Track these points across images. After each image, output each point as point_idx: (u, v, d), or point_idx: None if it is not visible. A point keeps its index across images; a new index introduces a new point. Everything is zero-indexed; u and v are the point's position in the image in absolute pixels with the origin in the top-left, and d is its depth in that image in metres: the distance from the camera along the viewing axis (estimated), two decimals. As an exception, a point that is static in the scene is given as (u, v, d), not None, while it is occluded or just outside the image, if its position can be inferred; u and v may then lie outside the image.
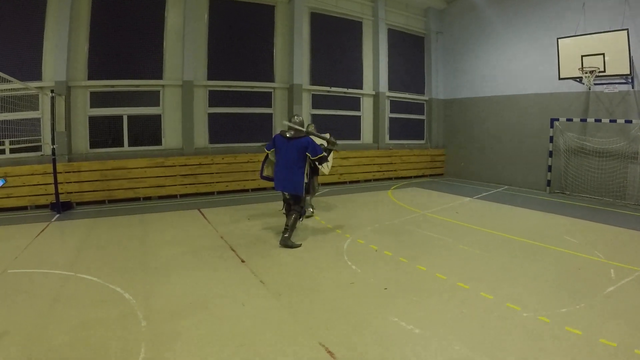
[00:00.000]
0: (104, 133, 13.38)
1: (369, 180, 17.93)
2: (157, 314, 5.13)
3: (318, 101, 17.48)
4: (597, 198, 14.09)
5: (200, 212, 11.47)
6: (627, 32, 12.73)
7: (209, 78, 14.98)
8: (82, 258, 7.38)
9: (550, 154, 15.63)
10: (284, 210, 8.99)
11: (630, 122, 13.24)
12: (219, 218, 10.67)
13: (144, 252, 7.75)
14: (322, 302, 5.59)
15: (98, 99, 13.24)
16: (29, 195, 11.73)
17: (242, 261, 7.26)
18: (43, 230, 9.34)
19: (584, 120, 14.62)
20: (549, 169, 15.71)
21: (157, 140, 14.18)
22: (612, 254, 7.74)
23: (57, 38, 12.34)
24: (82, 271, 6.60)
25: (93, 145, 13.16)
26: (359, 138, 18.77)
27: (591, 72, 13.40)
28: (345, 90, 18.21)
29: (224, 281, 6.32)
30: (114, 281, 6.16)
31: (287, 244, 8.16)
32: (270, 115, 16.28)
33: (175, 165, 13.65)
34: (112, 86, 13.35)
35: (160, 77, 14.10)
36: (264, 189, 14.73)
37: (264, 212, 11.47)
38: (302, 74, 16.64)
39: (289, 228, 8.28)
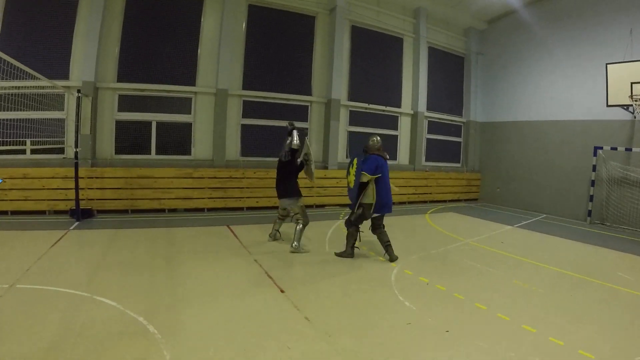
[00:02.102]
0: (131, 139, 12.72)
1: (404, 203, 17.15)
2: (187, 355, 4.30)
3: (355, 118, 16.80)
4: None
5: (230, 229, 10.70)
6: None
7: (244, 88, 14.35)
8: (101, 276, 6.57)
9: (592, 183, 15.13)
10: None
11: None
12: (250, 237, 9.83)
13: (170, 274, 6.90)
14: (379, 347, 4.79)
15: (126, 102, 12.63)
16: (48, 200, 11.16)
17: (282, 291, 6.40)
18: (60, 239, 8.64)
19: (629, 149, 14.11)
20: (590, 198, 15.19)
21: (186, 150, 13.51)
22: None
23: (87, 36, 11.82)
24: (100, 292, 5.79)
25: (119, 150, 12.54)
26: (395, 158, 18.00)
27: None
28: (383, 107, 17.58)
29: (263, 316, 5.45)
30: (136, 308, 5.33)
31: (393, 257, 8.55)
32: (305, 130, 15.48)
33: (204, 177, 12.94)
34: (142, 90, 12.74)
35: (193, 84, 13.48)
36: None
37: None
38: (340, 89, 16.00)
39: (389, 242, 8.62)
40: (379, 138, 8.57)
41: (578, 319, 6.00)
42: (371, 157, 8.42)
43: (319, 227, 11.37)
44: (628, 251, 10.78)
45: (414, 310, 5.96)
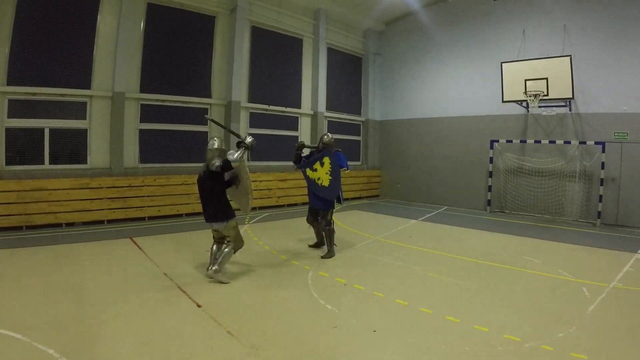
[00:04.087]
0: (22, 148, 11.77)
1: (307, 203, 17.08)
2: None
3: (256, 120, 16.74)
4: (537, 216, 15.12)
5: (133, 241, 10.26)
6: (570, 59, 13.40)
7: (142, 90, 13.77)
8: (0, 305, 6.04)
9: (490, 174, 16.28)
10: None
11: (569, 142, 14.52)
12: (156, 249, 9.48)
13: (75, 297, 6.44)
14: (310, 355, 4.83)
15: (17, 108, 11.63)
16: None
17: (198, 306, 6.21)
18: (-53, 266, 7.85)
19: (523, 141, 15.53)
20: (489, 189, 16.33)
21: (82, 159, 12.70)
22: (576, 272, 8.23)
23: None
24: (1, 324, 5.30)
25: (9, 161, 11.53)
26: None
27: (535, 95, 13.90)
28: (283, 109, 17.66)
29: (183, 335, 5.24)
30: (45, 339, 4.93)
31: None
32: (205, 134, 15.20)
33: (102, 187, 12.26)
34: (34, 94, 11.81)
35: (88, 87, 12.70)
36: (199, 213, 13.68)
37: (204, 240, 10.32)
38: (240, 91, 15.83)
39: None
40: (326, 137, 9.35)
41: (495, 304, 6.45)
42: (338, 153, 9.08)
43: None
44: (529, 236, 11.91)
45: (337, 313, 6.01)
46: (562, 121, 14.76)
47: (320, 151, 9.30)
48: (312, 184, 9.26)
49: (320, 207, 9.34)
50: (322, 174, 8.95)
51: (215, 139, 7.62)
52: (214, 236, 7.87)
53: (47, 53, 12.08)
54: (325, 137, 9.53)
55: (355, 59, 21.16)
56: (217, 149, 7.47)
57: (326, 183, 8.90)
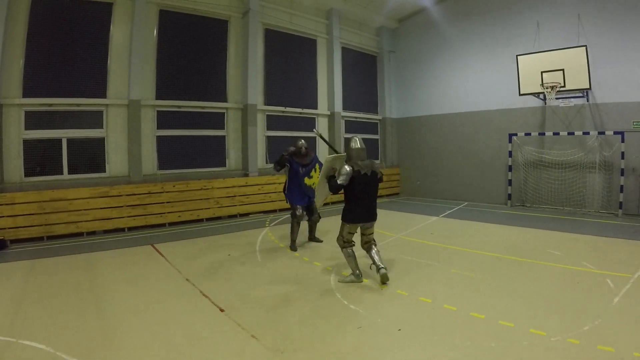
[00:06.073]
0: (41, 159, 11.81)
1: (327, 204, 17.01)
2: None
3: (273, 122, 16.69)
4: (558, 208, 14.93)
5: (154, 247, 10.21)
6: (586, 49, 13.21)
7: (158, 97, 13.76)
8: (24, 315, 5.98)
9: (510, 168, 16.15)
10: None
11: (588, 133, 14.31)
12: (178, 255, 9.42)
13: (98, 306, 6.40)
14: (336, 356, 4.70)
15: (34, 119, 11.67)
16: (-47, 233, 10.12)
17: (221, 310, 6.10)
18: (-29, 277, 7.85)
19: (542, 134, 15.37)
20: (509, 182, 16.19)
21: (101, 167, 12.72)
22: (600, 263, 8.06)
23: (-13, 49, 10.81)
24: (25, 335, 5.26)
25: (28, 173, 11.57)
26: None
27: (552, 87, 13.74)
28: (300, 110, 17.56)
29: (207, 340, 5.15)
30: (69, 350, 4.87)
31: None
32: (223, 138, 15.22)
33: (121, 195, 12.25)
34: (50, 105, 11.84)
35: (103, 96, 12.71)
36: (219, 217, 13.78)
37: (225, 244, 10.47)
38: (256, 94, 15.77)
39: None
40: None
41: (520, 299, 6.30)
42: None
43: (247, 237, 11.26)
44: (551, 228, 11.65)
45: (361, 313, 5.90)
46: (580, 112, 14.55)
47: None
48: (308, 189, 9.62)
49: (305, 204, 9.86)
50: (316, 178, 9.27)
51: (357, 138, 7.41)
52: (363, 241, 7.53)
53: (62, 64, 12.11)
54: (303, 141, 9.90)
55: (370, 57, 21.05)
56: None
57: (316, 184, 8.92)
